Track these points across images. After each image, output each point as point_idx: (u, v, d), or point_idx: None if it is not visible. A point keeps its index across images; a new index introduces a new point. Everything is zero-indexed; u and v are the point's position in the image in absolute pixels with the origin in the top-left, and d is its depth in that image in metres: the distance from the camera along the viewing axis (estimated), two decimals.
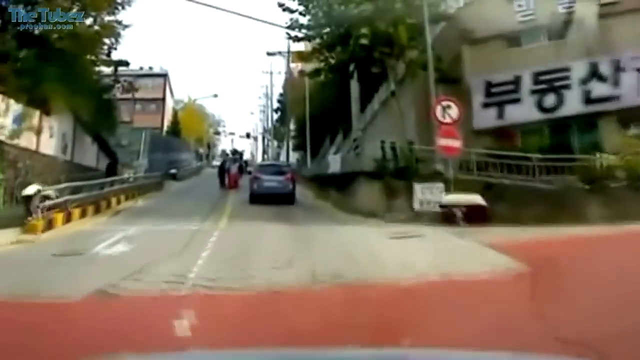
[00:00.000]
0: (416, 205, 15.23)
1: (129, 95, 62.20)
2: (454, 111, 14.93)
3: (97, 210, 17.62)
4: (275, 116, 67.02)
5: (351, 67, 19.12)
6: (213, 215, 16.31)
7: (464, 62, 18.17)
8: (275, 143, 73.69)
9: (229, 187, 29.22)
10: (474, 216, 13.82)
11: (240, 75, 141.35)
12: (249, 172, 31.60)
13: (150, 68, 64.87)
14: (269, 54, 43.22)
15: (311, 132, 43.05)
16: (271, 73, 62.04)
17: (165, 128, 63.37)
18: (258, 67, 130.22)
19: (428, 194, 15.13)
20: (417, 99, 18.54)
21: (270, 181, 21.04)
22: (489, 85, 17.75)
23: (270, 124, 69.93)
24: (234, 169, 32.58)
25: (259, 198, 20.27)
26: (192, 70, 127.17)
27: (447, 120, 14.90)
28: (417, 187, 15.27)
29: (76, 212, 15.92)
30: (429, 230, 11.76)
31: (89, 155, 28.38)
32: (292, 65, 52.26)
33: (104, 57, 30.11)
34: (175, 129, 62.75)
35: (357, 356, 2.49)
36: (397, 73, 18.10)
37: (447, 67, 17.88)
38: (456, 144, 14.81)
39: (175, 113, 65.91)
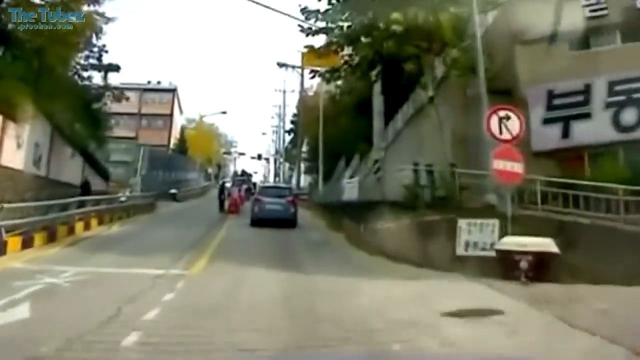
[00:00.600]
0: (460, 249, 11.40)
1: (135, 110, 59.51)
2: (514, 124, 11.13)
3: (52, 239, 13.99)
4: (288, 138, 64.11)
5: (375, 71, 15.46)
6: (193, 251, 12.60)
7: (517, 66, 14.41)
8: (287, 165, 70.36)
9: (229, 212, 25.55)
10: (541, 268, 10.01)
11: (253, 94, 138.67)
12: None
13: (159, 82, 62.04)
14: (280, 65, 39.60)
15: (325, 154, 39.61)
16: (284, 92, 59.02)
17: (172, 145, 60.19)
18: (272, 85, 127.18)
19: (477, 234, 11.30)
20: (454, 112, 14.88)
21: (272, 204, 20.28)
22: (551, 95, 13.97)
23: (282, 145, 66.73)
24: (235, 191, 28.97)
25: (260, 222, 19.53)
26: (202, 88, 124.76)
27: (506, 136, 11.09)
28: (463, 224, 11.45)
29: (16, 241, 12.30)
30: (498, 298, 7.76)
31: (71, 170, 24.89)
32: (307, 85, 49.10)
33: (95, 62, 27.01)
34: (182, 147, 59.53)
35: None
36: (436, 76, 14.39)
37: (495, 74, 14.16)
38: (517, 167, 10.97)
39: (182, 130, 62.65)
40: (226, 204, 26.22)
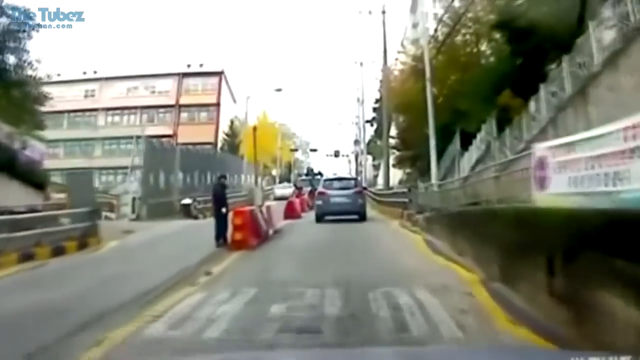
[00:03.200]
0: None
1: (171, 102, 46.86)
2: None
3: None
4: (370, 130, 50.19)
5: None
6: None
7: None
8: (370, 160, 55.95)
9: (235, 246, 11.13)
10: None
11: (326, 83, 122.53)
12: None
13: (201, 65, 48.90)
14: None
15: (422, 134, 24.71)
16: (361, 64, 44.58)
17: (219, 142, 47.16)
18: (347, 73, 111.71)
19: None
20: None
21: (338, 197, 18.20)
22: None
23: (362, 135, 52.32)
24: (258, 199, 15.07)
25: (326, 217, 17.74)
26: (262, 75, 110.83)
27: None
28: None
29: None
30: None
31: None
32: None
33: None
34: (232, 144, 46.38)
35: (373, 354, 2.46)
36: None
37: None
38: None
39: (232, 124, 49.15)
40: (230, 226, 11.65)
